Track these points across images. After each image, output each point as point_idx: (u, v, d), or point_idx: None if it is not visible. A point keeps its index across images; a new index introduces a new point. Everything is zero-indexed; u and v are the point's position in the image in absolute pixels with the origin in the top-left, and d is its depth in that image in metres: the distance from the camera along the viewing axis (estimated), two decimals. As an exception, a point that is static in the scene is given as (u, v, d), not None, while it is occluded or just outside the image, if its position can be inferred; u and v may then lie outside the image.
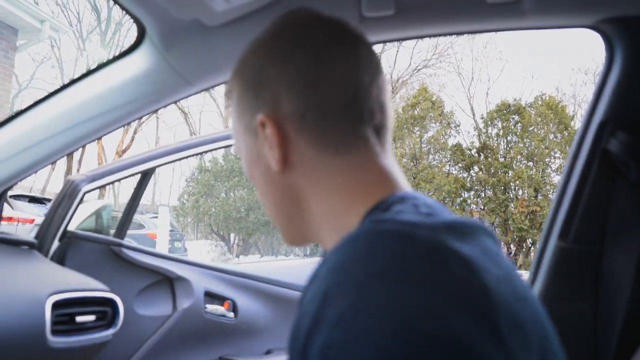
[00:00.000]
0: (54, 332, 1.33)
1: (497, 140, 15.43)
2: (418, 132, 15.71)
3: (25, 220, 7.87)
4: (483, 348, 0.36)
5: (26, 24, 8.17)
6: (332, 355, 0.37)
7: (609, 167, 1.02)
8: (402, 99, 20.37)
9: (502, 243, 15.03)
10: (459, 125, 16.39)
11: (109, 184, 1.86)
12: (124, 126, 1.34)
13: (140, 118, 1.33)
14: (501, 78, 32.87)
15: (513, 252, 15.01)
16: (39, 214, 8.11)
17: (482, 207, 14.86)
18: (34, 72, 30.67)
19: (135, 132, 18.54)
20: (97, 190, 2.27)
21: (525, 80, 38.07)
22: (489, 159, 14.95)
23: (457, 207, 14.61)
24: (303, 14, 0.60)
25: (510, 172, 14.71)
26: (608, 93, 1.03)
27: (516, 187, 14.81)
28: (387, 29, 1.01)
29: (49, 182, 19.88)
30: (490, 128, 15.57)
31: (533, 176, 14.29)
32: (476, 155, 15.32)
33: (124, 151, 17.87)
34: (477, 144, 15.64)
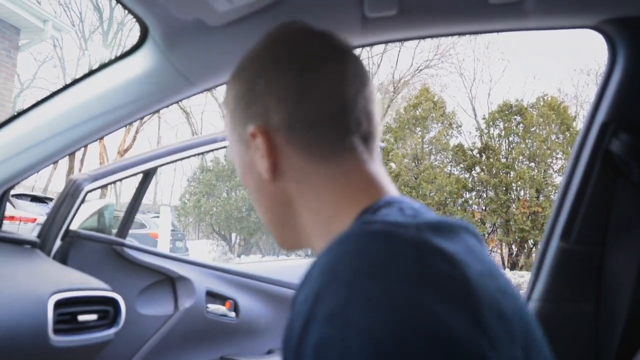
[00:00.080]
0: (56, 331, 1.33)
1: (498, 140, 15.41)
2: (420, 133, 15.70)
3: (27, 219, 7.89)
4: (469, 337, 0.38)
5: (29, 23, 8.19)
6: (325, 352, 0.39)
7: (611, 167, 1.02)
8: (404, 99, 20.38)
9: (504, 244, 15.02)
10: (460, 126, 16.37)
11: (111, 183, 1.86)
12: (126, 126, 1.34)
13: (142, 118, 1.33)
14: (503, 78, 32.97)
15: (515, 252, 15.00)
16: (40, 213, 8.12)
17: (484, 208, 14.85)
18: (36, 72, 30.69)
19: (137, 132, 18.55)
20: (99, 190, 2.28)
21: (527, 81, 38.02)
22: (491, 160, 14.93)
23: (459, 208, 14.60)
24: (294, 28, 0.62)
25: (512, 173, 14.70)
26: (610, 94, 1.03)
27: (518, 188, 14.80)
28: (389, 30, 1.01)
29: (50, 181, 19.93)
30: (492, 129, 15.55)
31: (535, 177, 14.27)
32: (478, 155, 15.31)
33: (125, 151, 17.88)
34: (478, 145, 15.63)
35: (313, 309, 0.41)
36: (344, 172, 0.56)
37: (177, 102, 1.25)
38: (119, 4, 0.96)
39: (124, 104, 1.22)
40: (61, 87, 1.25)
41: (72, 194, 1.72)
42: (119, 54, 1.12)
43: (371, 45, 1.20)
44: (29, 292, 1.34)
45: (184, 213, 16.74)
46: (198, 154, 2.00)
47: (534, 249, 14.63)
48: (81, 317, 1.44)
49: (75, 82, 1.23)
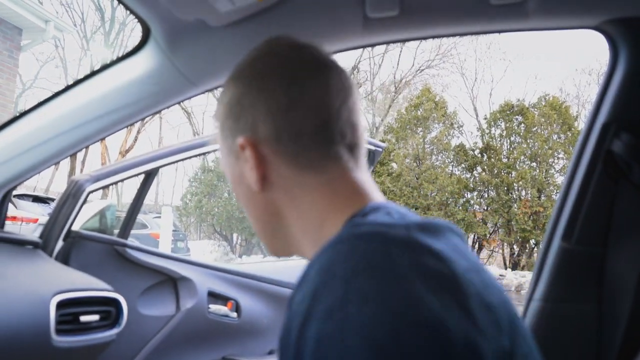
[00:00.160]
0: (59, 332, 1.34)
1: (500, 140, 15.40)
2: (421, 133, 15.70)
3: (29, 220, 7.89)
4: (461, 327, 0.41)
5: (30, 23, 8.21)
6: (325, 347, 0.41)
7: (613, 168, 1.02)
8: (405, 99, 20.37)
9: (506, 244, 15.01)
10: (462, 126, 16.38)
11: (113, 184, 1.86)
12: (127, 126, 1.34)
13: (143, 118, 1.34)
14: (504, 78, 32.90)
15: (516, 252, 14.99)
16: (42, 213, 8.13)
17: (485, 208, 14.84)
18: (38, 72, 30.79)
19: (138, 132, 18.57)
20: (101, 190, 2.28)
21: (528, 81, 38.09)
22: (492, 160, 14.92)
23: (460, 208, 14.59)
24: (280, 42, 0.64)
25: (513, 173, 14.69)
26: (612, 94, 1.03)
27: (519, 188, 14.79)
28: (391, 30, 1.01)
29: (52, 181, 19.95)
30: (493, 128, 15.54)
31: (536, 177, 14.26)
32: (479, 155, 15.30)
33: (127, 151, 17.90)
34: (480, 145, 15.62)
35: (311, 307, 0.43)
36: (331, 180, 0.58)
37: (178, 103, 1.25)
38: (120, 5, 0.96)
39: (125, 105, 1.22)
40: (63, 87, 1.25)
41: (74, 195, 1.72)
42: (120, 55, 1.12)
43: (372, 45, 1.20)
44: (32, 292, 1.34)
45: (186, 213, 16.76)
46: (199, 155, 2.00)
47: (535, 249, 14.62)
48: (83, 318, 1.44)
49: (77, 83, 1.23)
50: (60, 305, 1.36)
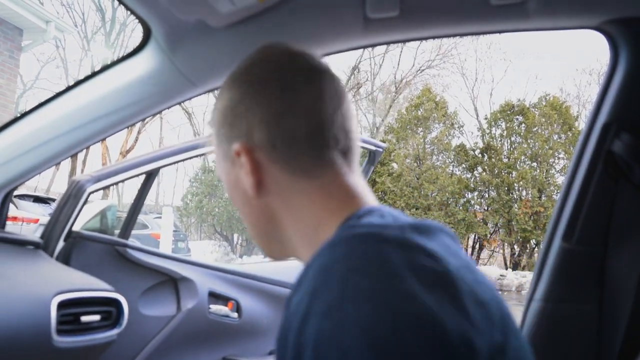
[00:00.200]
0: (59, 332, 1.34)
1: (500, 140, 15.40)
2: (422, 133, 15.70)
3: (29, 220, 7.91)
4: (455, 323, 0.42)
5: (31, 24, 8.21)
6: (324, 344, 0.42)
7: (613, 168, 1.02)
8: (406, 99, 20.37)
9: (506, 244, 15.00)
10: (462, 126, 16.39)
11: (113, 184, 1.86)
12: (128, 127, 1.35)
13: (144, 119, 1.34)
14: (505, 78, 32.92)
15: (517, 252, 14.98)
16: (43, 213, 8.15)
17: (486, 208, 14.84)
18: (39, 73, 30.72)
19: (139, 133, 18.58)
20: (101, 191, 2.28)
21: (529, 81, 38.05)
22: (493, 160, 14.92)
23: (461, 208, 14.59)
24: (275, 49, 0.65)
25: (514, 173, 14.68)
26: (612, 94, 1.03)
27: (520, 188, 14.79)
28: (391, 31, 1.02)
29: (53, 181, 19.96)
30: (494, 129, 15.54)
31: (537, 177, 14.26)
32: (480, 155, 15.30)
33: (127, 151, 17.90)
34: (480, 145, 15.62)
35: (310, 305, 0.44)
36: (325, 184, 0.60)
37: (179, 103, 1.25)
38: (121, 5, 0.96)
39: (126, 105, 1.22)
40: (64, 88, 1.25)
41: (74, 195, 1.72)
42: (121, 55, 1.12)
43: (373, 46, 1.20)
44: (32, 292, 1.34)
45: (186, 214, 16.77)
46: (200, 155, 2.01)
47: (536, 249, 14.62)
48: (84, 318, 1.44)
49: (78, 83, 1.23)
50: (61, 305, 1.36)
